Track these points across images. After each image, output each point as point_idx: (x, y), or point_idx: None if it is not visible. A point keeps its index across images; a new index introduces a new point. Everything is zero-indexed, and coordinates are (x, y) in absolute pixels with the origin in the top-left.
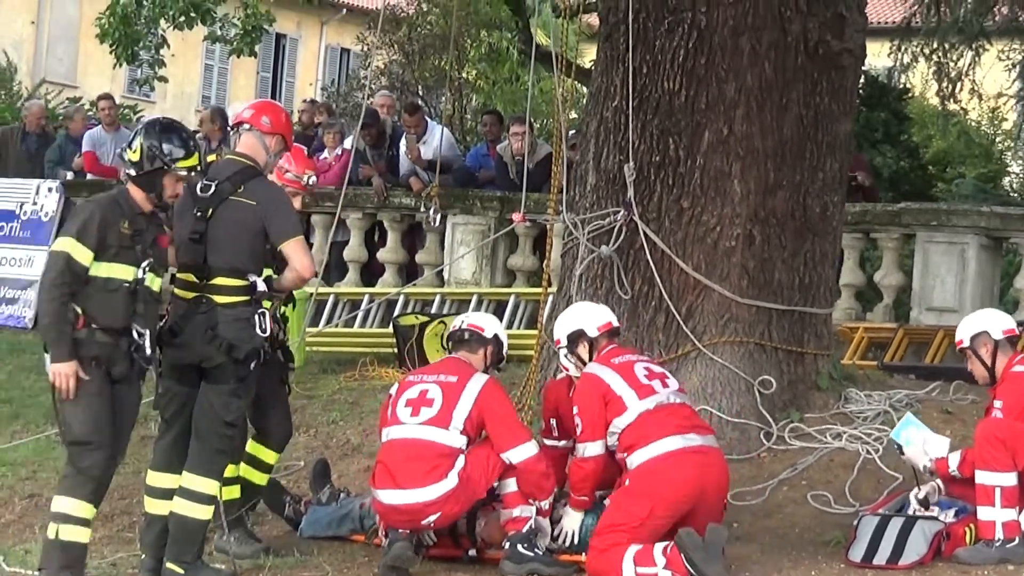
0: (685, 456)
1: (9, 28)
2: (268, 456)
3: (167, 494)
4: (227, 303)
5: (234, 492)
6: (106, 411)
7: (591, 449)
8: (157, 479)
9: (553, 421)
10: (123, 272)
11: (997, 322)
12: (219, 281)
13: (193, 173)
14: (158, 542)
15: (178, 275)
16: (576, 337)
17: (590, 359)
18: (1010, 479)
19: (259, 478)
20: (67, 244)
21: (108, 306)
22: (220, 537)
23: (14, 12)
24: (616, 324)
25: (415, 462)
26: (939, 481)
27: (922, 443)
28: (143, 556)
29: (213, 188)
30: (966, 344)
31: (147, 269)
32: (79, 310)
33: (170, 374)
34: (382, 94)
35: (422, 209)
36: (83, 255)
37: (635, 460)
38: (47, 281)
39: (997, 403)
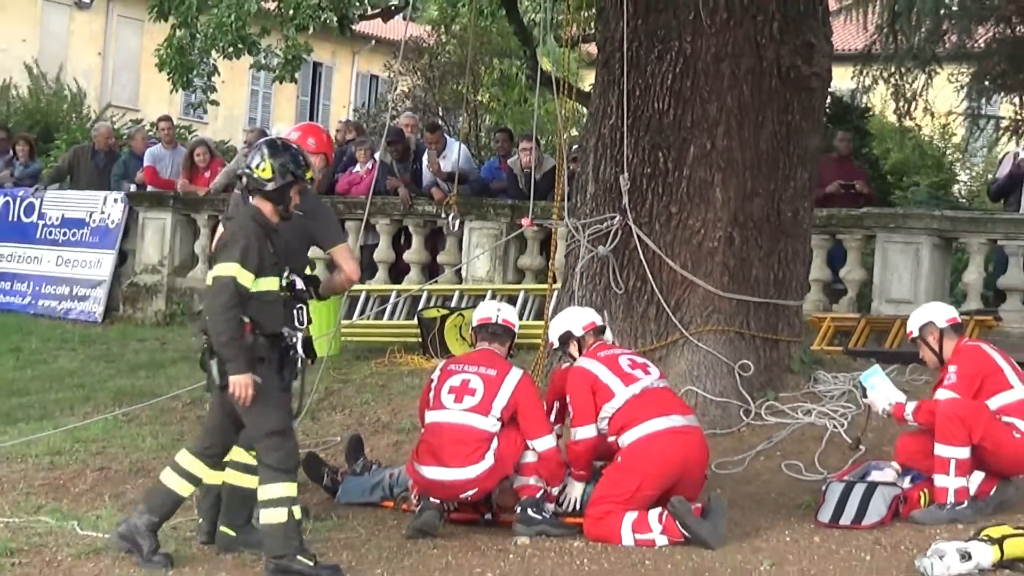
0: (669, 436)
1: (80, 59)
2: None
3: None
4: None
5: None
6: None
7: (581, 432)
8: None
9: (557, 404)
10: (273, 284)
11: (941, 313)
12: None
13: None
14: (213, 509)
15: None
16: (566, 338)
17: (580, 355)
18: (964, 452)
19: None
20: (233, 269)
21: (268, 315)
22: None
23: (83, 45)
24: (600, 323)
25: (458, 444)
26: (896, 464)
27: (885, 390)
28: (200, 521)
29: None
30: (916, 334)
31: (285, 277)
32: (246, 319)
33: None
34: (406, 115)
35: (442, 216)
36: (247, 278)
37: (625, 440)
38: (219, 305)
39: (951, 367)
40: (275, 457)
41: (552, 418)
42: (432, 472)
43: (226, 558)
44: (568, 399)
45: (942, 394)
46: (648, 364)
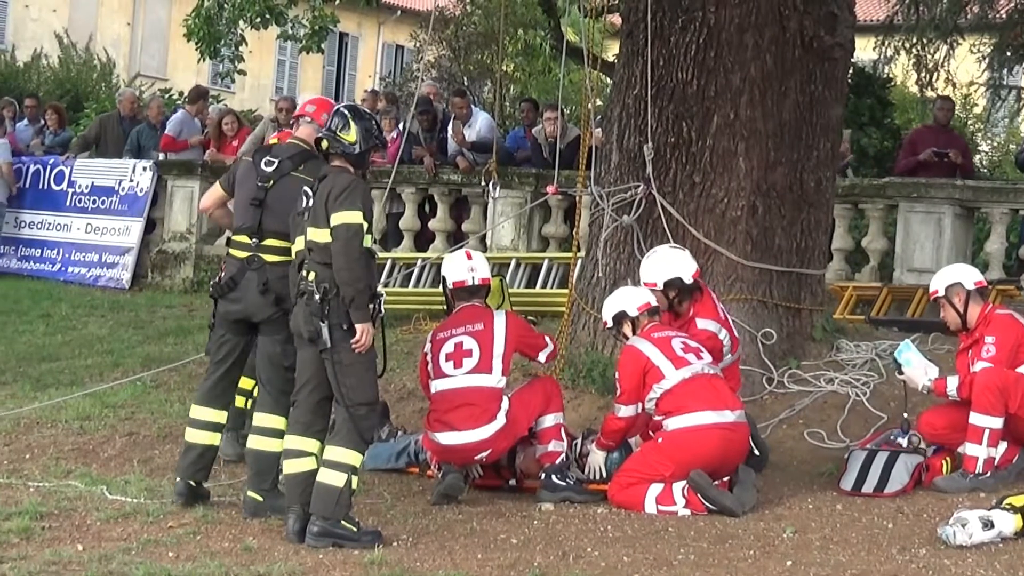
0: (715, 432)
1: (108, 29)
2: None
3: (206, 426)
4: (276, 261)
5: (241, 403)
6: None
7: (624, 411)
8: (198, 412)
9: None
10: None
11: (969, 275)
12: (270, 242)
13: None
14: (191, 467)
15: (234, 237)
16: (620, 318)
17: (634, 335)
18: (998, 423)
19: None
20: (360, 217)
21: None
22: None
23: (112, 15)
24: (655, 304)
25: (468, 407)
26: (917, 434)
27: (922, 365)
28: (176, 479)
29: (276, 164)
30: (941, 294)
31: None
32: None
33: (223, 324)
34: (428, 83)
35: (482, 184)
36: (365, 229)
37: (671, 424)
38: (357, 249)
39: (989, 339)
40: (361, 426)
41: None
42: (445, 438)
43: (253, 523)
44: (617, 376)
45: (981, 367)
46: (700, 349)
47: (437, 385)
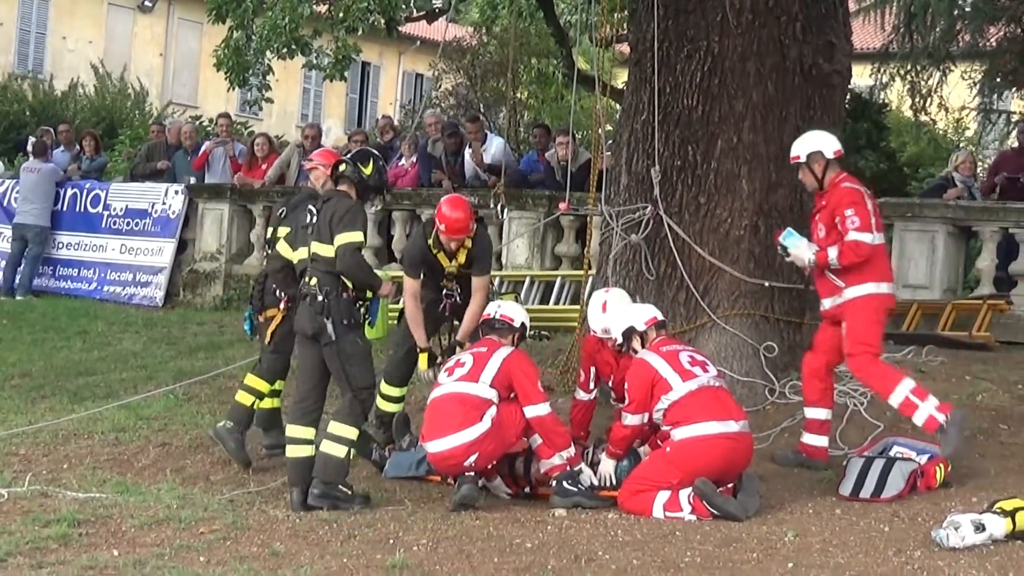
0: (720, 441)
1: (142, 60)
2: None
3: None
4: None
5: (275, 403)
6: None
7: (631, 419)
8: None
9: (593, 370)
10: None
11: (829, 144)
12: None
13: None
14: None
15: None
16: (628, 333)
17: (643, 348)
18: (908, 383)
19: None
20: (360, 236)
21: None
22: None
23: (145, 46)
24: (661, 318)
25: (453, 412)
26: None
27: (804, 245)
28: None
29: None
30: (803, 160)
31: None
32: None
33: None
34: (429, 113)
35: (490, 206)
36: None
37: (679, 434)
38: (359, 259)
39: (848, 211)
40: (362, 408)
41: (592, 384)
42: (435, 446)
43: (281, 528)
44: (627, 387)
45: (854, 236)
46: (707, 363)
47: (431, 395)
